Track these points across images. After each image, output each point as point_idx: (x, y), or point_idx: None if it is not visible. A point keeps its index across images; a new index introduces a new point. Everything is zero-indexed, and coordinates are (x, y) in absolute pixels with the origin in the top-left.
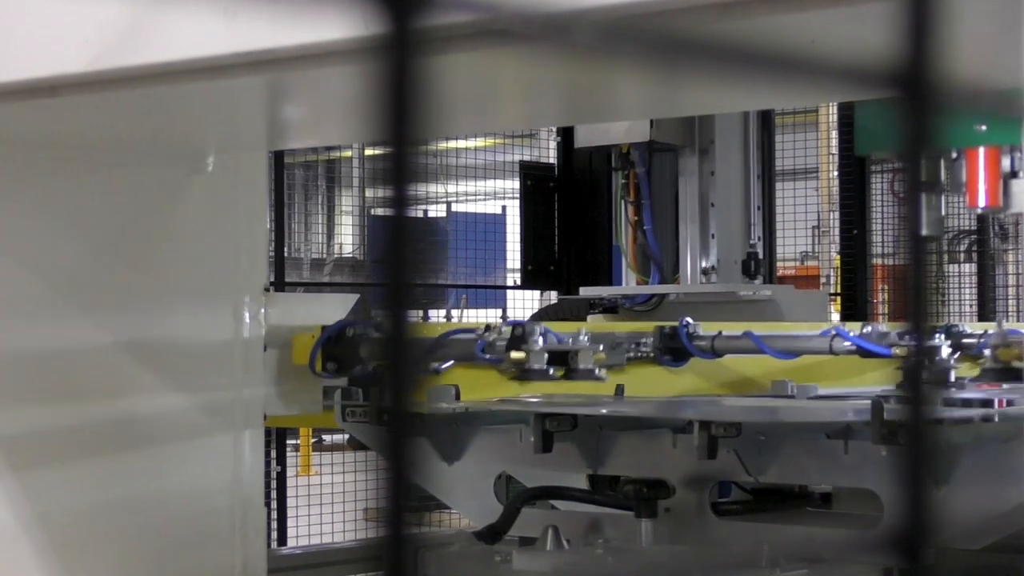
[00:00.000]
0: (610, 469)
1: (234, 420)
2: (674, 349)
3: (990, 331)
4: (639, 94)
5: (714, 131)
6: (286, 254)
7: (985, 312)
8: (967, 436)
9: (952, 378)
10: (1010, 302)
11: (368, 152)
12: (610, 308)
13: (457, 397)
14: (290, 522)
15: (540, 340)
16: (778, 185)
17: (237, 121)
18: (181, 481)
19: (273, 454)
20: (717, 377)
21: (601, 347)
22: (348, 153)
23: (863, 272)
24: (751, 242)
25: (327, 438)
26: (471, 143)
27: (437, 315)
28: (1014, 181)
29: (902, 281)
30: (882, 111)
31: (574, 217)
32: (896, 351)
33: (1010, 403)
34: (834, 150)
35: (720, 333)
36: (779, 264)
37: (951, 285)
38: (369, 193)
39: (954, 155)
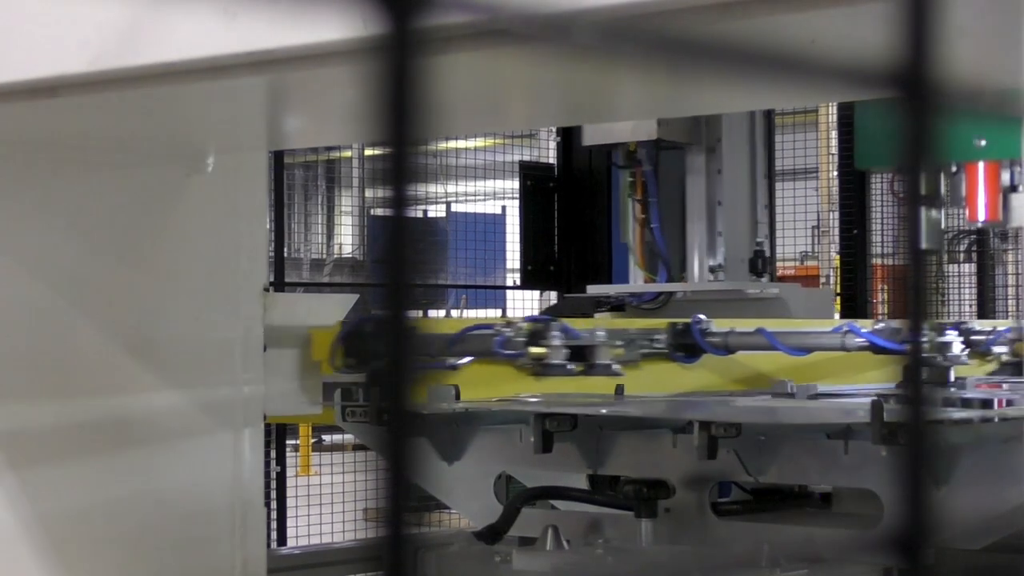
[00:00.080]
0: (610, 469)
1: (234, 420)
2: (687, 345)
3: (999, 328)
4: (639, 94)
5: (721, 129)
6: (286, 254)
7: (985, 312)
8: (967, 436)
9: (952, 377)
10: (1010, 302)
11: (368, 152)
12: (617, 306)
13: (457, 397)
14: (290, 522)
15: (559, 335)
16: (778, 185)
17: (237, 121)
18: (181, 481)
19: (273, 454)
20: (730, 373)
21: (620, 342)
22: (348, 153)
23: (863, 272)
24: (758, 240)
25: (327, 438)
26: (471, 143)
27: (437, 315)
28: (1014, 195)
29: (902, 281)
30: (882, 125)
31: (574, 217)
32: (908, 347)
33: (1010, 403)
34: (834, 150)
35: (732, 329)
36: (779, 264)
37: (951, 285)
38: (369, 193)
39: (954, 169)
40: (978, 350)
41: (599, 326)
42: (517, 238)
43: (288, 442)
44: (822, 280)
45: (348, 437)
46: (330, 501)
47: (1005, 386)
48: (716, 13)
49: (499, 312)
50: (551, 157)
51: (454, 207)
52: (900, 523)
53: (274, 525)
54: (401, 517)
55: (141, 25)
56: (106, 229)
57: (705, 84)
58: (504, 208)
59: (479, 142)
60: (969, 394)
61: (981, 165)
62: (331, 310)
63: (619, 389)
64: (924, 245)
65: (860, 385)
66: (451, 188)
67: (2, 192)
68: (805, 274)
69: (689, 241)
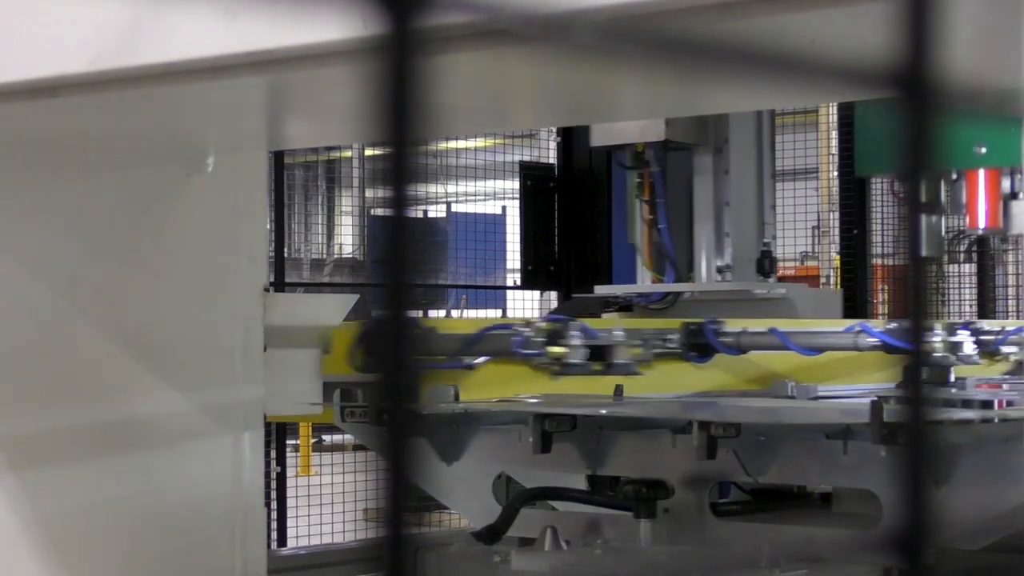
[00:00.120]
0: (609, 470)
1: (234, 421)
2: (699, 345)
3: (1008, 328)
4: (639, 94)
5: (728, 130)
6: (286, 254)
7: (985, 312)
8: (965, 437)
9: (952, 377)
10: (1010, 302)
11: (368, 152)
12: (625, 306)
13: (456, 398)
14: (290, 522)
15: (578, 335)
16: (778, 185)
17: (237, 121)
18: (181, 481)
19: (273, 454)
20: (743, 373)
21: (639, 341)
22: (348, 153)
23: (863, 272)
24: (765, 241)
25: (327, 438)
26: (471, 143)
27: (437, 316)
28: (1014, 202)
29: (902, 281)
30: (882, 130)
31: (574, 217)
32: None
33: (1010, 403)
34: (834, 150)
35: (745, 329)
36: (779, 264)
37: (951, 285)
38: (369, 193)
39: (954, 176)
40: (987, 350)
41: (617, 326)
42: (517, 238)
43: (288, 442)
44: (822, 280)
45: (348, 437)
46: (330, 501)
47: (1005, 386)
48: (716, 13)
49: (499, 312)
50: (551, 157)
51: (454, 207)
52: (900, 523)
53: (274, 525)
54: (401, 517)
55: (141, 25)
56: (106, 229)
57: (705, 84)
58: (504, 208)
59: (479, 142)
60: (969, 394)
61: (981, 172)
62: (331, 310)
63: (618, 389)
64: (924, 251)
65: (864, 385)
66: (451, 188)
67: (2, 192)
68: (805, 274)
69: (697, 242)
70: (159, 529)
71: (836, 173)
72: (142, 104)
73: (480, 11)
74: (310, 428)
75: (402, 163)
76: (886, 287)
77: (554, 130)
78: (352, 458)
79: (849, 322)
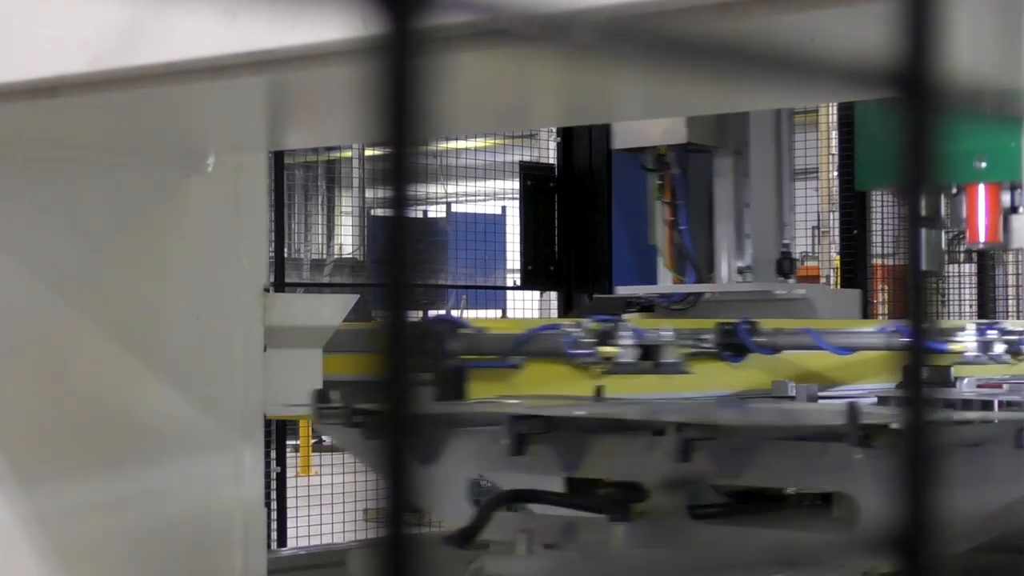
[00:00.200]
0: (586, 472)
1: (234, 421)
2: (734, 345)
3: None
4: (639, 94)
5: (748, 132)
6: (286, 255)
7: (985, 312)
8: (949, 438)
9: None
10: (1010, 302)
11: (368, 152)
12: (646, 307)
13: (435, 399)
14: (290, 523)
15: (630, 335)
16: None
17: (237, 121)
18: (180, 482)
19: (273, 454)
20: (779, 372)
21: (690, 342)
22: (348, 154)
23: (863, 272)
24: (784, 242)
25: (327, 438)
26: (471, 143)
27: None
28: (1014, 217)
29: (902, 281)
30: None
31: (574, 217)
32: (952, 347)
33: (1010, 404)
34: (834, 150)
35: (779, 330)
36: None
37: (951, 285)
38: (369, 194)
39: (954, 190)
40: (1012, 349)
41: (665, 326)
42: (517, 238)
43: (288, 442)
44: (822, 280)
45: None
46: (330, 501)
47: (1005, 386)
48: (716, 13)
49: (499, 313)
50: (551, 157)
51: (454, 207)
52: (897, 524)
53: (274, 525)
54: (401, 518)
55: (141, 25)
56: (106, 229)
57: (705, 84)
58: (504, 208)
59: (479, 142)
60: (969, 395)
61: (981, 187)
62: (331, 311)
63: (599, 391)
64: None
65: (872, 385)
66: (451, 188)
67: (2, 192)
68: (805, 274)
69: (717, 243)
70: (159, 529)
71: (836, 173)
72: (142, 104)
73: (480, 11)
74: (310, 428)
75: (402, 163)
76: (886, 287)
77: (554, 130)
78: (352, 458)
79: (881, 322)
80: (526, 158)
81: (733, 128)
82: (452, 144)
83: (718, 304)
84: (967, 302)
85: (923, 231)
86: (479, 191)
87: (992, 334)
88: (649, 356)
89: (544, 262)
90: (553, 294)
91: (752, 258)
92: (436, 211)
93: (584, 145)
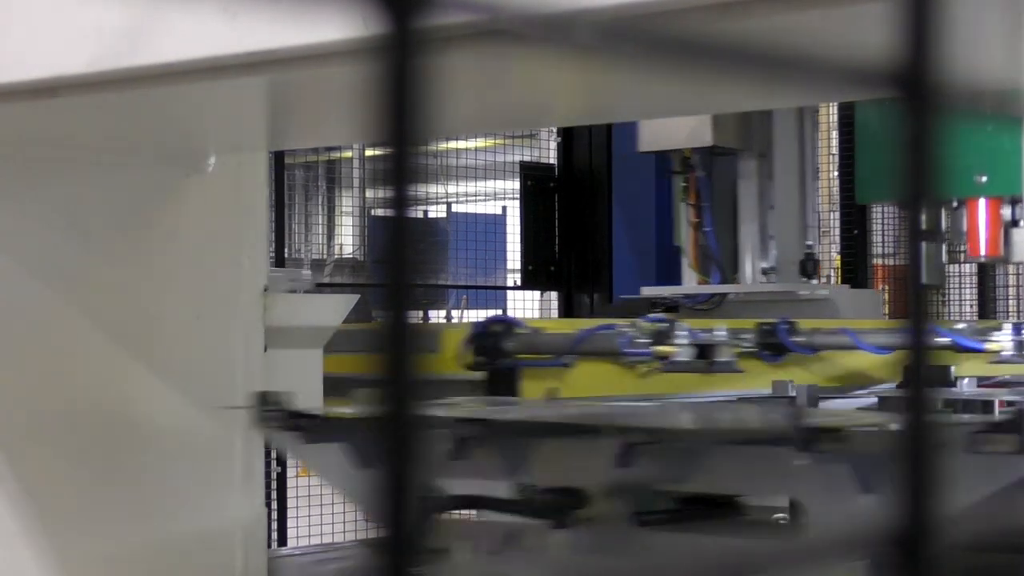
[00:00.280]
0: (531, 477)
1: (234, 421)
2: (773, 345)
3: None
4: (639, 94)
5: (772, 135)
6: (286, 254)
7: (986, 312)
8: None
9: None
10: (1010, 302)
11: (368, 153)
12: (671, 308)
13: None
14: (290, 522)
15: (685, 335)
16: None
17: (237, 121)
18: (180, 482)
19: (273, 454)
20: (821, 371)
21: (746, 341)
22: (348, 154)
23: (863, 272)
24: (808, 243)
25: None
26: (471, 143)
27: (437, 316)
28: (1015, 230)
29: (903, 281)
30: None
31: (574, 217)
32: (989, 346)
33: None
34: (834, 150)
35: (817, 330)
36: None
37: (951, 285)
38: (369, 194)
39: (955, 204)
40: None
41: (719, 326)
42: (517, 238)
43: None
44: (822, 280)
45: None
46: (330, 501)
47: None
48: (716, 13)
49: (499, 313)
50: (551, 157)
51: (455, 207)
52: (902, 525)
53: (274, 525)
54: (401, 519)
55: (141, 25)
56: (106, 229)
57: (705, 84)
58: (504, 208)
59: (479, 142)
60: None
61: (982, 201)
62: (331, 311)
63: (552, 393)
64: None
65: (882, 385)
66: (452, 188)
67: (2, 192)
68: None
69: (742, 244)
70: (158, 529)
71: (836, 173)
72: (142, 104)
73: (480, 11)
74: None
75: (402, 163)
76: (886, 287)
77: (554, 130)
78: None
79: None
80: (526, 158)
81: (758, 131)
82: (452, 144)
83: (742, 304)
84: (968, 302)
85: (924, 244)
86: (479, 191)
87: None
88: (703, 355)
89: (544, 262)
90: (553, 294)
91: (776, 259)
92: (436, 211)
93: (584, 145)
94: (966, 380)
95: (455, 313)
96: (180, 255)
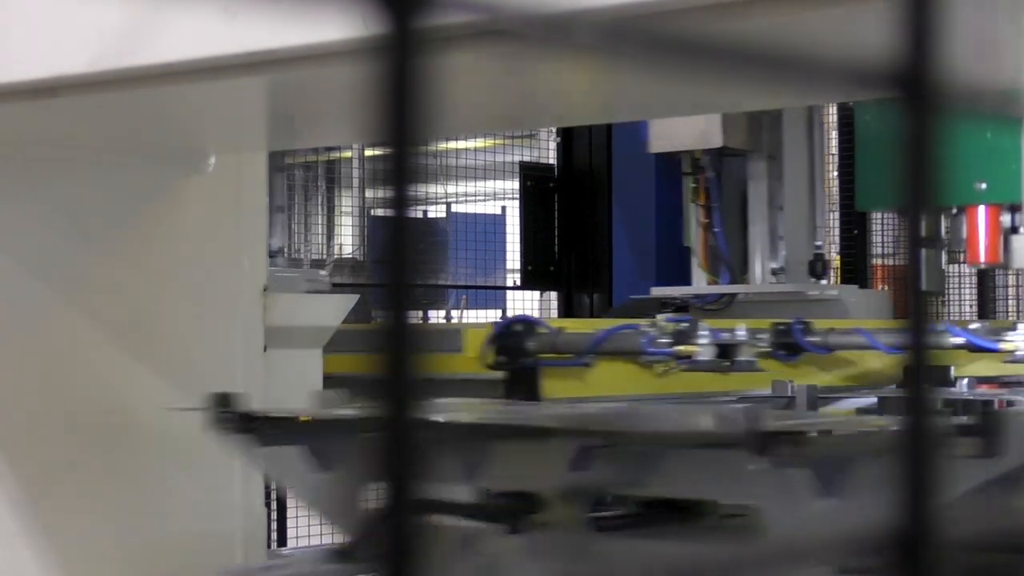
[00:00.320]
0: (487, 481)
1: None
2: (788, 344)
3: None
4: (639, 94)
5: (782, 136)
6: (286, 254)
7: (985, 312)
8: (859, 446)
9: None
10: (1010, 302)
11: (368, 153)
12: (681, 308)
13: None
14: (290, 522)
15: (707, 335)
16: None
17: (237, 121)
18: (180, 481)
19: None
20: (836, 371)
21: (766, 340)
22: (348, 154)
23: (863, 272)
24: (817, 244)
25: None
26: (471, 143)
27: (437, 316)
28: (1014, 237)
29: (902, 281)
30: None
31: (574, 217)
32: (1003, 346)
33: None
34: (834, 150)
35: (832, 329)
36: None
37: (951, 285)
38: (369, 194)
39: (954, 211)
40: None
41: (739, 326)
42: (517, 238)
43: None
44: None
45: None
46: None
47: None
48: (716, 13)
49: (499, 313)
50: (551, 157)
51: (454, 207)
52: (901, 526)
53: (274, 526)
54: (401, 519)
55: (141, 25)
56: (106, 229)
57: (705, 84)
58: (504, 208)
59: (479, 142)
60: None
61: (982, 208)
62: (331, 311)
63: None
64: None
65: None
66: (451, 188)
67: (2, 192)
68: None
69: (751, 244)
70: (158, 529)
71: (836, 173)
72: (142, 104)
73: (480, 11)
74: None
75: (402, 163)
76: (886, 287)
77: (554, 130)
78: None
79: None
80: (526, 158)
81: (767, 132)
82: (452, 144)
83: (751, 304)
84: (967, 302)
85: (923, 251)
86: (479, 191)
87: None
88: (725, 355)
89: (544, 262)
90: (553, 294)
91: (785, 259)
92: (436, 211)
93: (584, 145)
94: (965, 380)
95: (455, 313)
96: (180, 255)
